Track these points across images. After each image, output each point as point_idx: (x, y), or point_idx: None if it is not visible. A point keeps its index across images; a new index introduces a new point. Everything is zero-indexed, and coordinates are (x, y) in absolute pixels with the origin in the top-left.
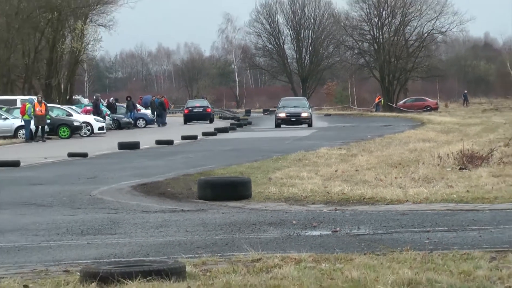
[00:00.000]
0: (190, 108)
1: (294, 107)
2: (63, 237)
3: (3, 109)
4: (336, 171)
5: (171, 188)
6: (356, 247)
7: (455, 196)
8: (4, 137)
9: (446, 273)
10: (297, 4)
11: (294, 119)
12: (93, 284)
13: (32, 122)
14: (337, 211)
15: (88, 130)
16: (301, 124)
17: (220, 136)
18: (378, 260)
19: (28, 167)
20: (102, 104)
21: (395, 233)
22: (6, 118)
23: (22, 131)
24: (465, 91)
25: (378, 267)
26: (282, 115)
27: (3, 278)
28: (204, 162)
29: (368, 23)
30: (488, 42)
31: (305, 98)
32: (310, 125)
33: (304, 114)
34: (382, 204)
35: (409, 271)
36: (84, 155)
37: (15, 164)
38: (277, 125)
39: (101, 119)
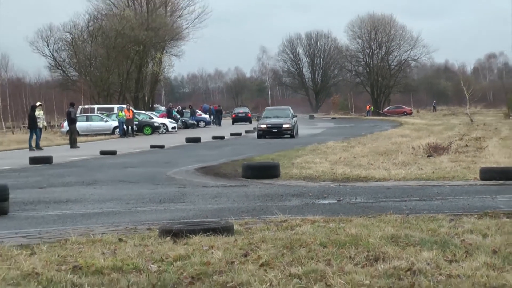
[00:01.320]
0: (236, 113)
1: (277, 117)
2: (147, 205)
3: (105, 114)
4: (339, 158)
5: (223, 170)
6: (354, 211)
7: (424, 175)
8: (105, 134)
9: (418, 230)
10: (312, 40)
11: (276, 131)
12: (168, 238)
13: (124, 123)
14: (341, 186)
15: (164, 129)
16: (283, 135)
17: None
18: (370, 221)
19: (122, 155)
20: (174, 111)
21: (382, 202)
22: (107, 121)
23: (117, 130)
24: (434, 101)
25: (369, 226)
26: (263, 126)
27: (104, 233)
28: (246, 151)
29: (362, 53)
30: (447, 66)
31: (289, 107)
32: (292, 136)
33: (285, 125)
34: (372, 181)
35: (391, 229)
36: (162, 146)
37: (113, 153)
38: (259, 137)
39: (173, 121)
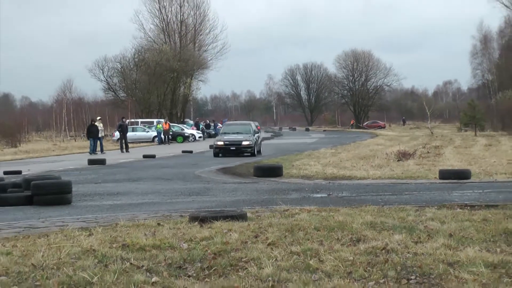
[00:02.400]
0: None
1: (236, 133)
2: (179, 197)
3: (146, 126)
4: (329, 161)
5: (238, 170)
6: (341, 203)
7: (395, 175)
8: (146, 142)
9: (390, 218)
10: (308, 69)
11: (234, 148)
12: (196, 223)
13: (161, 133)
14: (330, 183)
15: (193, 138)
16: (242, 153)
17: (265, 141)
18: (353, 211)
19: (160, 158)
20: (201, 124)
21: (362, 196)
22: (148, 131)
23: (156, 138)
24: (403, 117)
25: (353, 214)
26: (220, 143)
27: (146, 219)
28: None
29: (347, 80)
30: (413, 90)
31: (251, 122)
32: (253, 154)
33: (245, 142)
34: (355, 180)
35: (370, 217)
36: (190, 152)
37: (153, 156)
38: (216, 155)
39: (200, 132)
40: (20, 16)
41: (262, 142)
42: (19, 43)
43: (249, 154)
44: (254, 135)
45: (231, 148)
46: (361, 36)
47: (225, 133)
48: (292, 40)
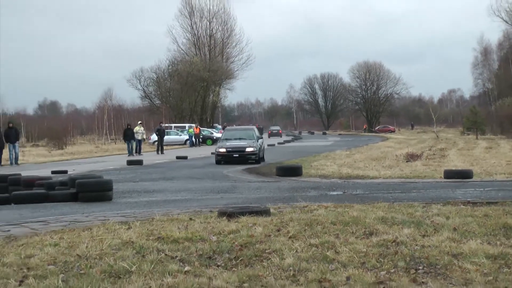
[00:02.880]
0: (271, 130)
1: (239, 139)
2: (209, 194)
3: (179, 130)
4: (344, 162)
5: (262, 170)
6: (355, 200)
7: (404, 175)
8: (179, 144)
9: (400, 213)
10: (325, 79)
11: (237, 155)
12: (224, 217)
13: (193, 137)
14: (345, 182)
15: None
16: (246, 161)
17: (286, 144)
18: (366, 207)
19: (191, 159)
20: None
21: (374, 193)
22: (180, 135)
23: (188, 141)
24: (412, 122)
25: (366, 210)
26: (222, 150)
27: (179, 214)
28: (278, 157)
29: (360, 89)
30: (420, 97)
31: (254, 127)
32: (257, 161)
33: (249, 149)
34: (367, 179)
35: (381, 212)
36: None
37: (185, 157)
38: (218, 162)
39: None
40: (67, 30)
41: (284, 145)
42: (65, 56)
43: (253, 161)
44: (257, 141)
45: (234, 155)
46: (373, 47)
47: (226, 139)
48: (309, 51)
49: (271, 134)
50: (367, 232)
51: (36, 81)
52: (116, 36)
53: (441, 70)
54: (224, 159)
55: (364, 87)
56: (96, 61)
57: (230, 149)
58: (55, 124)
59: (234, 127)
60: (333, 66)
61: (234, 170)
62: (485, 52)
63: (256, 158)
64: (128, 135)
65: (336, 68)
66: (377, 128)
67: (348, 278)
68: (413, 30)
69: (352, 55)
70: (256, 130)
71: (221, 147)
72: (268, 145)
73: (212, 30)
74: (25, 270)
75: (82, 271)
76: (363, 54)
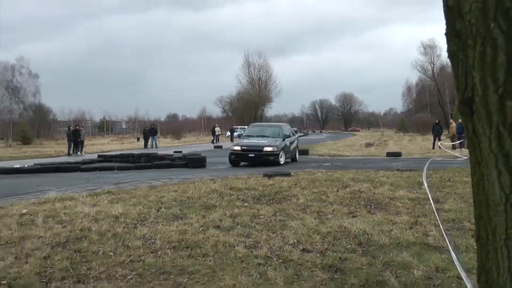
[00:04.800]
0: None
1: (261, 136)
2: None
3: (242, 129)
4: (331, 147)
5: None
6: (337, 168)
7: (364, 154)
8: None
9: (362, 175)
10: (321, 102)
11: (253, 155)
12: (266, 177)
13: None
14: (332, 158)
15: None
16: (263, 162)
17: (300, 138)
18: (344, 172)
19: None
20: None
21: (348, 164)
22: (242, 132)
23: None
24: (369, 126)
25: (343, 173)
26: (237, 148)
27: (242, 175)
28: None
29: (340, 107)
30: (374, 112)
31: (283, 124)
32: (277, 163)
33: (268, 149)
34: (344, 157)
35: (351, 175)
36: None
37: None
38: (232, 162)
39: None
40: (185, 76)
41: (299, 138)
42: (184, 87)
43: (272, 162)
44: (283, 140)
45: (250, 155)
46: (347, 84)
47: (248, 136)
48: (313, 86)
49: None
50: (344, 186)
51: (168, 100)
52: (210, 79)
53: (385, 96)
54: (239, 158)
55: (342, 106)
56: (199, 90)
57: (246, 148)
58: (175, 126)
59: (260, 123)
60: (326, 94)
61: None
62: (409, 88)
63: (276, 159)
64: (214, 132)
65: (327, 96)
66: (350, 129)
67: (333, 211)
68: (370, 74)
69: (336, 88)
70: (285, 127)
71: (237, 145)
72: None
73: (259, 74)
74: (159, 204)
75: (189, 205)
76: (343, 88)
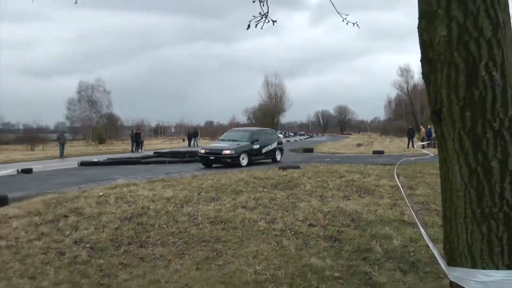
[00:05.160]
0: (299, 133)
1: (231, 140)
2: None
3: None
4: (330, 146)
5: (296, 150)
6: (335, 162)
7: (355, 152)
8: None
9: (354, 168)
10: (323, 112)
11: (213, 158)
12: (281, 169)
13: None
14: (331, 155)
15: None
16: (222, 164)
17: (306, 140)
18: (340, 165)
19: None
20: (280, 131)
21: (344, 160)
22: None
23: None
24: (359, 131)
25: (340, 167)
26: (202, 151)
27: (262, 169)
28: (303, 144)
29: (337, 116)
30: (363, 120)
31: (258, 129)
32: (236, 164)
33: (226, 152)
34: (340, 154)
35: (346, 168)
36: None
37: None
38: (202, 164)
39: (283, 137)
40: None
41: (305, 140)
42: (228, 97)
43: (230, 164)
44: (252, 143)
45: (210, 157)
46: (342, 97)
47: (221, 139)
48: (318, 98)
49: (300, 135)
50: (340, 176)
51: (206, 110)
52: (238, 93)
53: (371, 108)
54: (203, 160)
55: (339, 115)
56: (229, 102)
57: (208, 151)
58: (212, 130)
59: (236, 128)
60: (326, 106)
61: (286, 150)
62: (389, 101)
63: (234, 161)
64: None
65: (327, 107)
66: (344, 132)
67: (332, 195)
68: (360, 90)
69: (334, 101)
70: (257, 132)
71: (203, 148)
72: (299, 139)
73: (276, 91)
74: (200, 189)
75: (223, 190)
76: (339, 101)
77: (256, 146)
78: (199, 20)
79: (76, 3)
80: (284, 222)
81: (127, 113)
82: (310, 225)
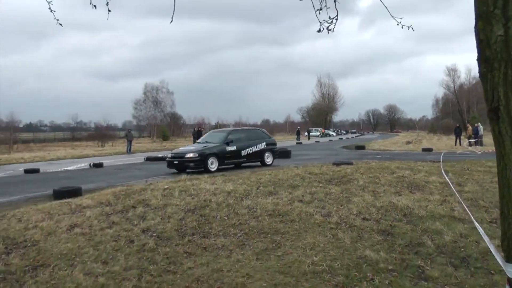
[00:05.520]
0: (351, 131)
1: (206, 142)
2: (327, 156)
3: (316, 130)
4: (381, 144)
5: (349, 147)
6: (386, 159)
7: (405, 149)
8: (316, 136)
9: (404, 165)
10: (374, 111)
11: (177, 162)
12: (334, 165)
13: (322, 133)
14: (382, 152)
15: (332, 135)
16: (185, 168)
17: (358, 137)
18: (391, 162)
19: (322, 143)
20: (332, 130)
21: (394, 157)
22: (316, 131)
23: (320, 134)
24: (408, 129)
25: (391, 163)
26: (169, 156)
27: (317, 165)
28: (356, 141)
29: (387, 115)
30: (412, 119)
31: (230, 129)
32: (202, 167)
33: (189, 155)
34: (391, 151)
35: (397, 164)
36: (331, 140)
37: (318, 142)
38: (177, 169)
39: (335, 133)
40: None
41: (357, 137)
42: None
43: (193, 168)
44: (228, 145)
45: (175, 162)
46: (393, 96)
47: (198, 142)
48: (368, 97)
49: (352, 133)
50: (391, 172)
51: (262, 109)
52: (292, 93)
53: (419, 106)
54: (169, 165)
55: (388, 114)
56: (284, 102)
57: (173, 155)
58: (268, 128)
59: (218, 129)
60: (376, 105)
61: (338, 147)
62: (436, 100)
63: (199, 165)
64: (298, 133)
65: (377, 106)
66: (394, 131)
67: (384, 190)
68: (408, 90)
69: (384, 100)
70: (234, 132)
71: (171, 152)
72: (350, 137)
73: (328, 91)
74: (258, 183)
75: (280, 185)
76: (388, 100)
77: (231, 148)
78: (255, 26)
79: (109, 11)
80: (339, 216)
81: (188, 112)
82: (363, 219)
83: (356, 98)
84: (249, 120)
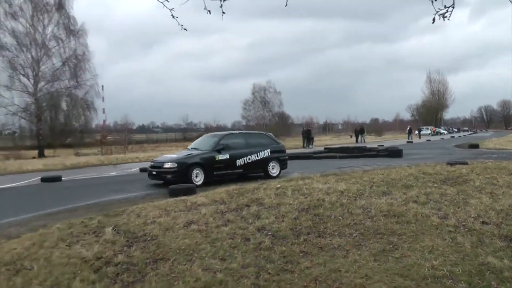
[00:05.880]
0: (463, 129)
1: (193, 149)
2: (439, 156)
3: (426, 129)
4: (496, 142)
5: (462, 145)
6: (503, 159)
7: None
8: (426, 135)
9: (503, 165)
10: (487, 107)
11: (155, 173)
12: (448, 165)
13: (432, 131)
14: (497, 151)
15: (444, 133)
16: (163, 180)
17: (470, 135)
18: (507, 162)
19: (432, 142)
20: (443, 128)
21: (504, 157)
22: (429, 131)
23: (430, 133)
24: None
25: (509, 163)
26: (149, 165)
27: (430, 164)
28: (468, 140)
29: (501, 111)
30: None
31: (221, 134)
32: (180, 181)
33: (167, 165)
34: (508, 150)
35: (498, 163)
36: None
37: (429, 140)
38: (165, 182)
39: (446, 132)
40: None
41: (469, 135)
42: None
43: (171, 180)
44: (219, 152)
45: (153, 172)
46: (507, 91)
47: (190, 148)
48: (480, 93)
49: (464, 131)
50: (510, 173)
51: (371, 107)
52: (401, 91)
53: None
54: (149, 176)
55: (503, 110)
56: (393, 99)
57: (153, 164)
58: (377, 126)
59: (211, 133)
60: (488, 101)
61: (451, 146)
62: None
63: (175, 177)
64: (410, 131)
65: (490, 102)
66: (510, 128)
67: (503, 192)
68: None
69: (496, 96)
70: (229, 137)
71: (151, 161)
72: (462, 135)
73: (438, 87)
74: (371, 183)
75: (393, 185)
76: (502, 95)
77: (222, 157)
78: (361, 24)
79: (223, 13)
80: (456, 218)
81: (296, 111)
82: (483, 222)
83: (467, 94)
84: (358, 118)
